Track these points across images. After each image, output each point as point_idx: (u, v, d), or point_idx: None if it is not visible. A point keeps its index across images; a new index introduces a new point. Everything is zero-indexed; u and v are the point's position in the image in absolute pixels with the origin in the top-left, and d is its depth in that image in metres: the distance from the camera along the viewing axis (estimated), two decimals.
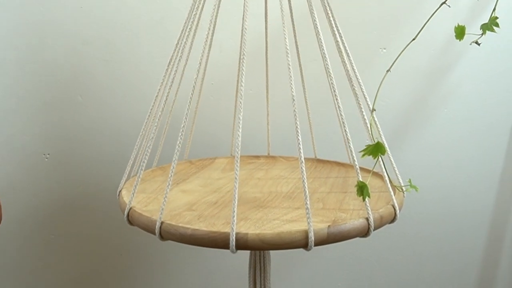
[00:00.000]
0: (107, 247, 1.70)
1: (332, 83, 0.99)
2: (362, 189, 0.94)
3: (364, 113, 1.03)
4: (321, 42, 0.99)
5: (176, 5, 1.60)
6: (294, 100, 0.95)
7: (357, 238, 0.98)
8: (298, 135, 0.93)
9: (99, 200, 1.66)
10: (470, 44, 1.15)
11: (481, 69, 1.72)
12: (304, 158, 1.46)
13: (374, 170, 1.12)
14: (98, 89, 1.62)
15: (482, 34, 1.12)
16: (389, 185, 1.06)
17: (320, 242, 0.90)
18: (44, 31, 1.57)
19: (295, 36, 1.40)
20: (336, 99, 0.95)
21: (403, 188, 1.12)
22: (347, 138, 0.98)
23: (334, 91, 0.98)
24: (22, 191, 1.63)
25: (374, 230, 0.97)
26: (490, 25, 1.09)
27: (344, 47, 1.08)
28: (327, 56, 0.98)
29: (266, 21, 1.44)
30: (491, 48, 1.69)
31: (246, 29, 0.98)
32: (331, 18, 1.08)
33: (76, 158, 1.64)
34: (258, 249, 0.92)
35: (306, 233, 0.89)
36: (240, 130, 0.93)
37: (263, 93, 1.54)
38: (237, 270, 1.74)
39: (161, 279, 1.75)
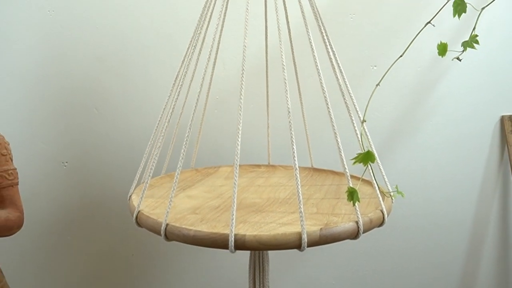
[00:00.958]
0: (119, 247, 1.70)
1: (326, 97, 0.99)
2: (352, 194, 0.94)
3: (355, 124, 1.03)
4: (316, 59, 0.99)
5: (183, 24, 1.60)
6: (289, 112, 0.95)
7: (349, 240, 0.98)
8: (293, 144, 0.93)
9: (113, 204, 1.66)
10: (452, 60, 1.14)
11: (462, 84, 1.72)
12: (302, 167, 1.47)
13: (365, 178, 1.11)
14: (112, 102, 1.62)
15: (463, 51, 1.11)
16: (378, 191, 1.06)
17: (312, 243, 0.91)
18: (63, 48, 1.57)
19: (292, 53, 1.40)
20: (329, 111, 0.95)
21: (391, 194, 1.11)
22: (339, 148, 0.98)
23: (327, 104, 0.98)
24: (42, 196, 1.63)
25: (363, 233, 0.97)
26: (471, 42, 1.09)
27: (338, 64, 1.07)
28: (320, 72, 0.98)
29: (266, 40, 1.44)
30: (471, 64, 1.70)
31: (246, 46, 0.98)
32: (326, 38, 1.08)
33: (92, 165, 1.64)
34: (255, 249, 0.92)
35: (299, 235, 0.89)
36: (240, 140, 0.93)
37: (265, 107, 1.54)
38: (238, 269, 1.73)
39: (167, 278, 1.75)
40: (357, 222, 0.96)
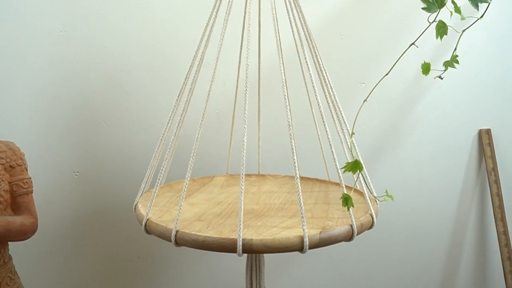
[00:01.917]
0: (126, 250, 1.69)
1: (321, 112, 1.00)
2: (346, 200, 0.95)
3: (346, 136, 1.03)
4: (311, 76, 0.99)
5: (185, 45, 1.60)
6: (290, 126, 0.96)
7: (337, 244, 0.99)
8: (294, 155, 0.94)
9: (120, 210, 1.65)
10: (434, 78, 1.14)
11: (444, 100, 1.73)
12: (289, 176, 1.48)
13: (351, 186, 1.11)
14: (119, 117, 1.62)
15: (444, 70, 1.11)
16: (367, 196, 1.06)
17: (313, 245, 0.92)
18: (75, 68, 1.57)
19: (284, 73, 1.40)
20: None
21: (381, 198, 1.11)
22: (334, 158, 0.99)
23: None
24: (55, 204, 1.62)
25: (356, 235, 0.98)
26: (452, 62, 1.09)
27: (328, 81, 1.07)
28: (316, 89, 0.98)
29: (259, 61, 1.44)
30: (452, 81, 1.71)
31: (248, 65, 0.98)
32: (317, 57, 1.09)
33: (100, 175, 1.63)
34: (261, 252, 0.92)
35: (301, 238, 0.90)
36: (245, 151, 0.95)
37: (256, 121, 1.54)
38: (236, 271, 1.72)
39: (168, 279, 1.73)
40: (351, 226, 0.97)
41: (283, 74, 1.01)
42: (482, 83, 1.74)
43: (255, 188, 1.38)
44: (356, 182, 1.04)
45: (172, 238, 0.95)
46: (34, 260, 1.63)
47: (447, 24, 1.01)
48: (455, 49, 1.09)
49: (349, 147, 1.02)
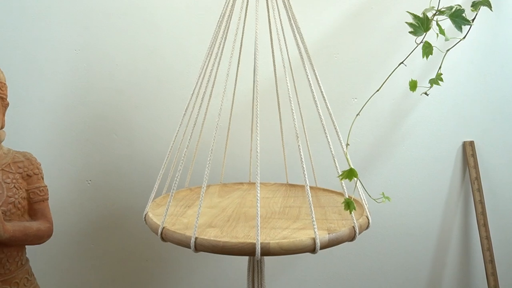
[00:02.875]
0: (135, 253, 1.68)
1: (323, 125, 1.00)
2: (349, 205, 0.95)
3: (343, 146, 1.03)
4: (313, 91, 0.99)
5: (192, 61, 1.61)
6: (298, 137, 0.97)
7: (332, 248, 0.99)
8: (302, 163, 0.95)
9: (130, 216, 1.65)
10: (421, 94, 1.15)
11: (430, 114, 1.74)
12: (278, 183, 1.48)
13: (339, 191, 1.11)
14: (129, 129, 1.62)
15: (430, 86, 1.12)
16: (364, 200, 1.07)
17: (323, 246, 0.92)
18: (88, 82, 1.58)
19: (277, 91, 1.41)
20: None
21: (379, 199, 1.12)
22: (336, 166, 1.00)
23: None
24: (69, 210, 1.62)
25: (357, 235, 1.00)
26: (436, 79, 1.10)
27: (323, 96, 1.08)
28: (318, 103, 0.98)
29: (254, 77, 1.44)
30: (437, 97, 1.72)
31: (257, 81, 0.99)
32: (314, 74, 1.09)
33: (112, 183, 1.63)
34: (277, 254, 0.91)
35: (313, 240, 0.91)
36: (259, 162, 0.96)
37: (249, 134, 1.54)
38: (238, 273, 1.71)
39: (174, 280, 1.73)
40: (353, 227, 0.99)
41: (289, 91, 1.01)
42: (466, 98, 1.75)
43: (251, 195, 1.37)
44: (359, 187, 1.05)
45: (192, 245, 0.94)
46: (49, 262, 1.63)
47: (433, 45, 1.03)
48: (440, 67, 1.10)
49: (345, 156, 1.02)
